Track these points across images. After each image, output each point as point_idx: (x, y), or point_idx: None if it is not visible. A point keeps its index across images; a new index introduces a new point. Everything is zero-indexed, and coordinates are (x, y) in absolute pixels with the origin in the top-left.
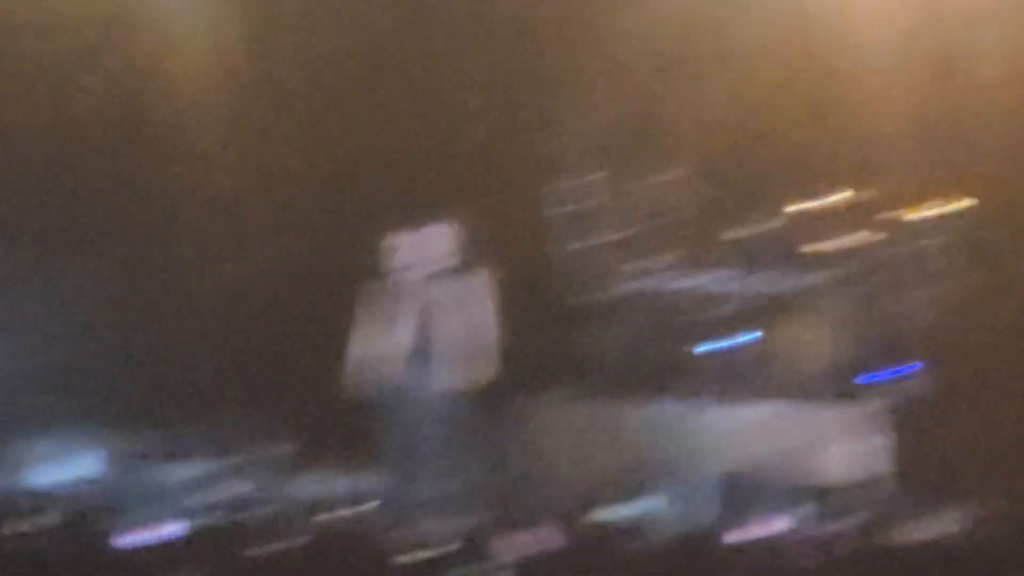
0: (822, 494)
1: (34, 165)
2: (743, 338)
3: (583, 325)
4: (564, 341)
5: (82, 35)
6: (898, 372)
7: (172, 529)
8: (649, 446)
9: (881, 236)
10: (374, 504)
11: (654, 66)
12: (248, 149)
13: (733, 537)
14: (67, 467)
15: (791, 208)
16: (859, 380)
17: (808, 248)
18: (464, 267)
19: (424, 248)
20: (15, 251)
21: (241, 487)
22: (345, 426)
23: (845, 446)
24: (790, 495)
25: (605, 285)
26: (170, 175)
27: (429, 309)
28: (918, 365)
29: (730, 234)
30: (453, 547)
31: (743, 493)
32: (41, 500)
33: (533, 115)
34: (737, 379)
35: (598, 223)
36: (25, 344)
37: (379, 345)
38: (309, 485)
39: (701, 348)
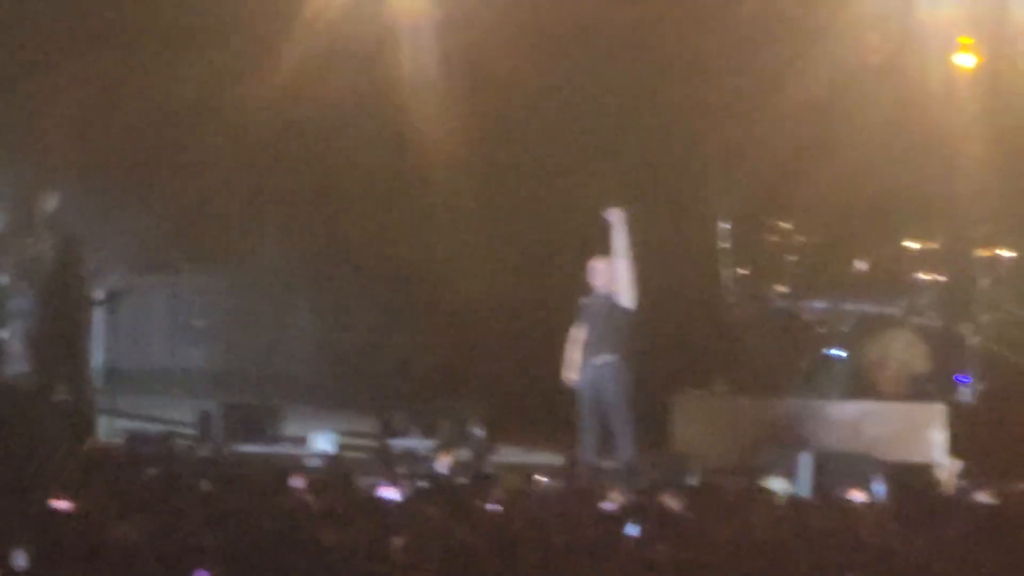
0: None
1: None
2: (859, 348)
3: (735, 335)
4: (721, 348)
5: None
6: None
7: (392, 491)
8: (778, 431)
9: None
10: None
11: (794, 146)
12: (489, 199)
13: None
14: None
15: (894, 249)
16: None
17: (907, 279)
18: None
19: (603, 274)
20: (301, 265)
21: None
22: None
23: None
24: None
25: (753, 305)
26: (426, 217)
27: (593, 317)
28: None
29: (850, 268)
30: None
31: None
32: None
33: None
34: (852, 380)
35: (751, 258)
36: (299, 341)
37: (575, 345)
38: (506, 457)
39: (825, 354)
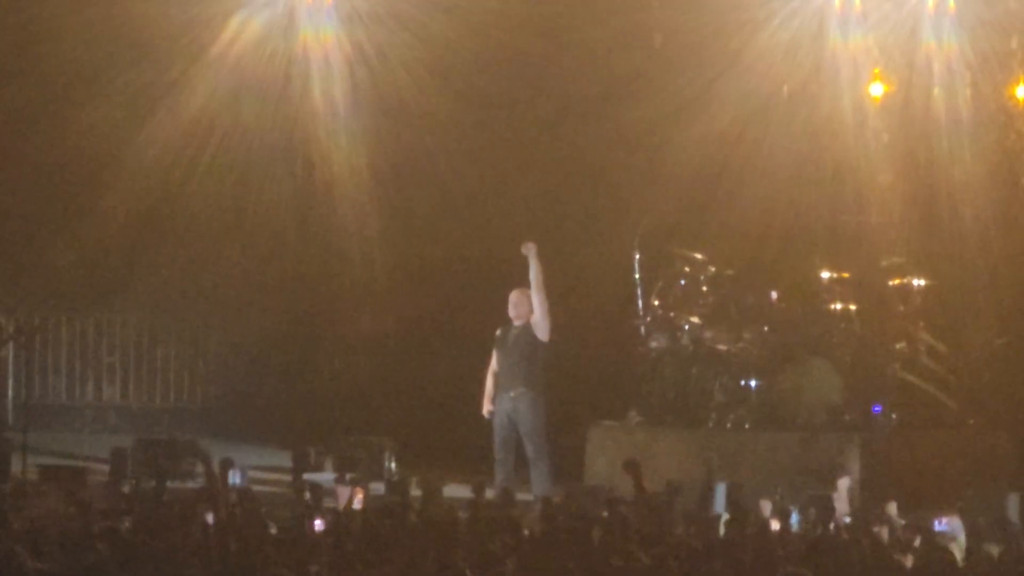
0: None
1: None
2: (772, 378)
3: (649, 366)
4: (635, 379)
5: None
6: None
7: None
8: (692, 462)
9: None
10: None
11: (706, 176)
12: (399, 240)
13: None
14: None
15: (807, 279)
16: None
17: (820, 309)
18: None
19: (519, 306)
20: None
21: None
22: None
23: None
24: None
25: (667, 338)
26: (338, 251)
27: (509, 348)
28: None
29: (763, 298)
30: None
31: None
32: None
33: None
34: (767, 411)
35: (664, 289)
36: (213, 376)
37: (492, 377)
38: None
39: (741, 385)
